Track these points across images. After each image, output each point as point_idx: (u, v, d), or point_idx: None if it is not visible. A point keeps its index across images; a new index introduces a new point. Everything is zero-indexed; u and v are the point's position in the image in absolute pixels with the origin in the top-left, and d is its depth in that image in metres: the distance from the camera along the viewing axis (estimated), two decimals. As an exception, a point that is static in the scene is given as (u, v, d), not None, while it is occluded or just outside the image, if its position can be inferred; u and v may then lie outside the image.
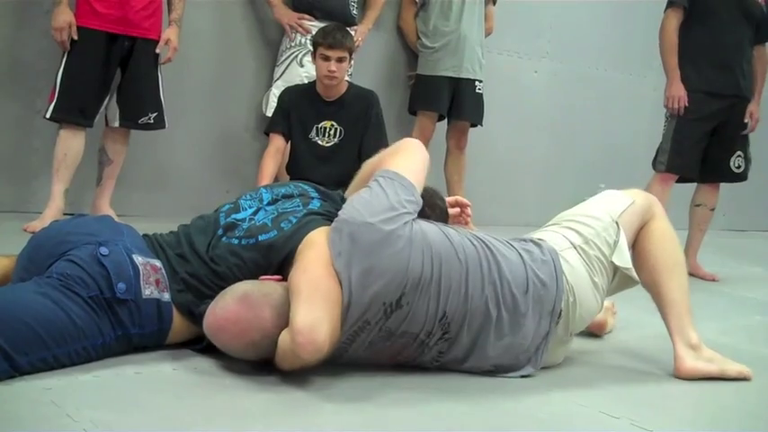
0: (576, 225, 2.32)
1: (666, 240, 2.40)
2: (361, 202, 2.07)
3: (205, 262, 2.13)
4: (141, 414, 1.70)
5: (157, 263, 2.09)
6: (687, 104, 4.32)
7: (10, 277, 2.12)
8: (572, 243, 2.27)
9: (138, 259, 2.03)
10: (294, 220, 2.16)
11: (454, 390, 2.04)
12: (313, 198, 2.30)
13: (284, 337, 1.89)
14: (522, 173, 6.10)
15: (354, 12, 4.81)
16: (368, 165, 2.36)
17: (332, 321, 1.90)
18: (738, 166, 4.51)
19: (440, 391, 2.01)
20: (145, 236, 2.21)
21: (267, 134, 4.23)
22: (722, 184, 4.64)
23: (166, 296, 2.06)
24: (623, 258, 2.28)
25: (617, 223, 2.32)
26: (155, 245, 2.17)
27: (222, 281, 2.09)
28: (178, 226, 2.29)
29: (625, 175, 6.26)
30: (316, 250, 2.02)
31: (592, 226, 2.31)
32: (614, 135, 6.46)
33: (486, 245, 2.15)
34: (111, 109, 3.93)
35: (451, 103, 5.08)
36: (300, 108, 4.13)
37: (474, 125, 5.21)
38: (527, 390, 2.08)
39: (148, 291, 2.01)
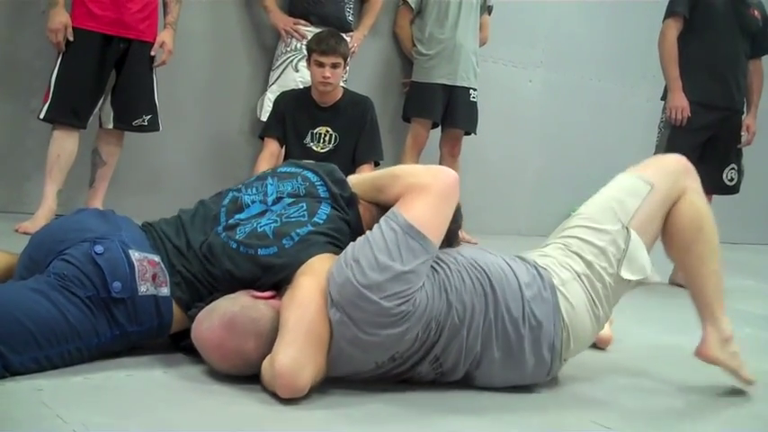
0: (580, 245, 2.18)
1: (697, 223, 2.26)
2: (369, 261, 1.87)
3: (200, 260, 2.08)
4: (132, 416, 1.69)
5: (156, 257, 2.04)
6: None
7: (12, 274, 2.10)
8: (575, 272, 2.14)
9: (135, 255, 1.99)
10: (296, 238, 2.05)
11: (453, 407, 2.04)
12: (321, 201, 2.16)
13: (266, 367, 1.86)
14: (514, 182, 6.11)
15: (350, 18, 4.82)
16: (393, 175, 2.10)
17: (316, 365, 1.86)
18: (731, 179, 4.52)
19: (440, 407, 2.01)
20: (145, 225, 2.17)
21: (262, 138, 4.24)
22: (715, 197, 4.65)
23: (165, 291, 2.02)
24: (634, 267, 2.17)
25: (627, 229, 2.19)
26: (155, 236, 2.12)
27: (215, 281, 2.07)
28: (179, 211, 2.24)
29: (617, 186, 6.29)
30: (314, 282, 1.93)
31: (596, 244, 2.17)
32: (607, 145, 6.47)
33: (488, 278, 2.03)
34: (105, 110, 3.93)
35: (445, 111, 5.09)
36: (296, 113, 4.14)
37: (468, 133, 5.23)
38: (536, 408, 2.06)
39: (144, 287, 1.98)
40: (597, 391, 2.19)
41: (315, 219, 2.10)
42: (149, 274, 2.00)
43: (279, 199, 2.17)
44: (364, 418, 1.84)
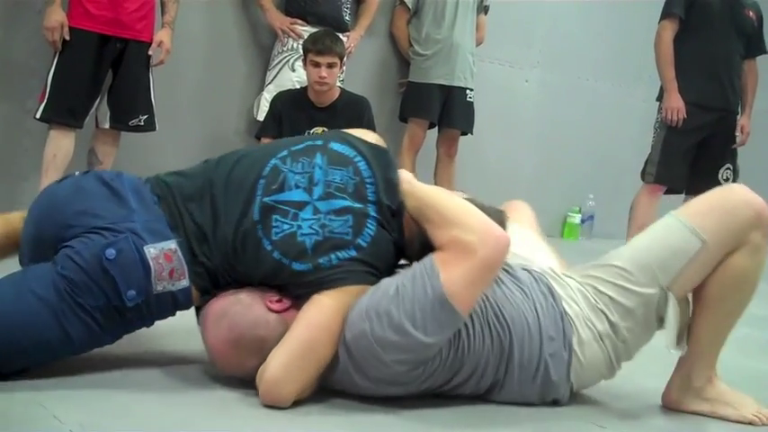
0: (608, 303, 2.01)
1: (739, 285, 2.02)
2: (391, 320, 1.80)
3: (224, 252, 1.92)
4: (128, 416, 1.69)
5: (173, 244, 1.88)
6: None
7: (15, 239, 1.99)
8: (597, 333, 2.01)
9: (151, 252, 1.84)
10: (335, 261, 1.88)
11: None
12: (367, 216, 1.94)
13: (260, 371, 1.85)
14: (511, 182, 6.11)
15: (347, 17, 4.81)
16: (443, 214, 1.90)
17: (305, 382, 1.84)
18: (726, 179, 4.53)
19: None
20: (161, 188, 1.97)
21: (258, 138, 4.23)
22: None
23: (183, 283, 1.89)
24: (669, 338, 1.99)
25: (666, 293, 1.99)
26: (173, 209, 1.93)
27: (236, 275, 1.94)
28: (206, 164, 2.05)
29: (614, 186, 6.31)
30: (333, 306, 1.85)
31: (625, 305, 2.00)
32: (604, 145, 6.48)
33: (510, 336, 1.95)
34: (101, 110, 3.92)
35: (442, 111, 5.09)
36: (292, 113, 4.14)
37: (464, 133, 5.23)
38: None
39: (160, 287, 1.87)
40: (594, 391, 2.19)
41: (359, 240, 1.91)
42: (166, 271, 1.87)
43: (326, 195, 1.94)
44: (361, 420, 1.84)
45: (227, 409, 1.81)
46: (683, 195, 4.67)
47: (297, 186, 1.95)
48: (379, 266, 1.94)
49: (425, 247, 1.90)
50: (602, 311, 2.02)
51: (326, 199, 1.93)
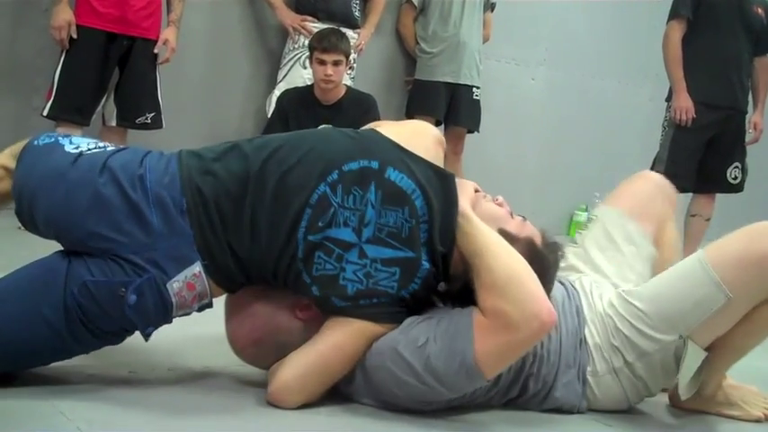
0: (624, 344, 1.97)
1: (762, 334, 2.00)
2: (416, 375, 1.77)
3: (263, 273, 1.82)
4: (136, 414, 1.69)
5: (197, 268, 1.75)
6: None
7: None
8: (612, 367, 1.99)
9: (174, 287, 1.74)
10: (374, 301, 1.81)
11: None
12: (419, 253, 1.81)
13: (273, 369, 1.85)
14: (517, 180, 6.09)
15: (357, 13, 4.81)
16: (493, 272, 1.77)
17: (315, 395, 1.83)
18: (735, 177, 4.52)
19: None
20: (194, 199, 1.75)
21: (264, 136, 4.23)
22: (719, 195, 4.65)
23: (205, 301, 1.82)
24: (682, 385, 1.95)
25: (685, 341, 1.93)
26: (205, 229, 1.75)
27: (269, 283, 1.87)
28: (241, 154, 1.82)
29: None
30: (364, 338, 1.82)
31: (642, 349, 1.96)
32: (610, 143, 6.46)
33: (538, 366, 1.95)
34: (108, 108, 3.93)
35: (448, 109, 5.08)
36: (298, 111, 4.13)
37: (470, 131, 5.22)
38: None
39: (181, 312, 1.80)
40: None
41: (402, 292, 1.82)
42: (189, 300, 1.78)
43: (375, 239, 1.79)
44: (366, 418, 1.84)
45: (234, 407, 1.80)
46: (690, 194, 4.67)
47: (345, 225, 1.79)
48: (413, 308, 1.87)
49: (467, 289, 1.82)
50: (618, 349, 1.98)
51: (376, 244, 1.79)
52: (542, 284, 1.79)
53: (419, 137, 1.98)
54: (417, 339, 1.78)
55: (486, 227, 1.85)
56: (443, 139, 1.94)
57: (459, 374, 1.75)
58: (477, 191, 1.98)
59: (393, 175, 1.82)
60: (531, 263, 1.80)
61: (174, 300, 1.75)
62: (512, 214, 1.97)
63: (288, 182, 1.79)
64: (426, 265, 1.82)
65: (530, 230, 1.95)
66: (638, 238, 2.27)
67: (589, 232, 2.33)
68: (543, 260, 1.89)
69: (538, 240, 1.95)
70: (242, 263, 1.79)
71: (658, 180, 2.39)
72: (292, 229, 1.77)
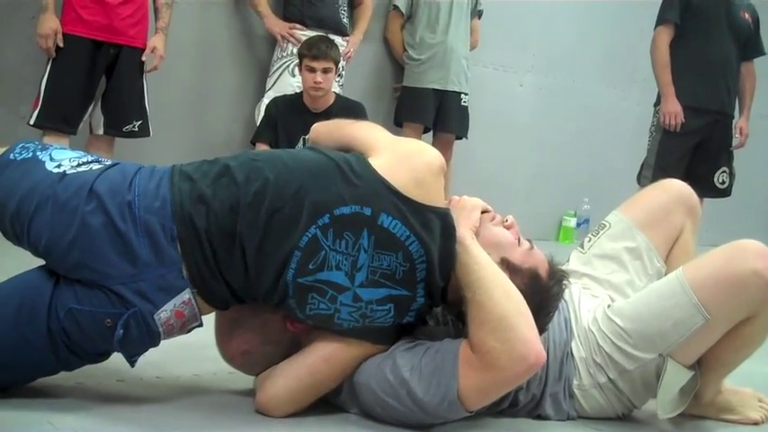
0: (606, 362, 1.97)
1: (748, 347, 1.98)
2: (399, 399, 1.76)
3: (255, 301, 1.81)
4: (123, 423, 1.68)
5: (186, 295, 1.70)
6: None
7: None
8: (597, 382, 2.00)
9: (161, 317, 1.70)
10: (369, 326, 1.79)
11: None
12: (415, 291, 1.78)
13: (261, 378, 1.85)
14: (506, 186, 6.10)
15: (345, 20, 4.81)
16: (483, 311, 1.73)
17: (303, 406, 1.83)
18: (723, 182, 4.54)
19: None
20: (187, 230, 1.69)
21: (253, 144, 4.23)
22: (706, 200, 4.66)
23: (195, 324, 1.77)
24: (663, 403, 1.95)
25: (664, 359, 1.93)
26: (196, 262, 1.70)
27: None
28: (230, 180, 1.73)
29: (609, 190, 6.29)
30: (356, 355, 1.81)
31: (623, 367, 1.96)
32: (599, 149, 6.49)
33: (527, 383, 1.92)
34: (95, 116, 3.91)
35: (437, 116, 5.10)
36: (287, 119, 4.13)
37: (459, 138, 5.23)
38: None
39: (170, 337, 1.77)
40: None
41: (398, 321, 1.81)
42: (177, 327, 1.74)
43: (369, 282, 1.74)
44: (354, 426, 1.84)
45: (223, 416, 1.80)
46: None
47: (338, 268, 1.72)
48: (407, 327, 1.87)
49: (461, 315, 1.81)
50: (601, 366, 1.98)
51: (369, 287, 1.74)
52: (540, 317, 1.78)
53: (416, 171, 1.80)
54: (404, 366, 1.77)
55: (486, 257, 1.79)
56: (443, 161, 1.83)
57: (442, 406, 1.74)
58: (486, 211, 1.90)
59: (386, 221, 1.73)
60: (532, 294, 1.78)
61: (161, 329, 1.71)
62: (519, 240, 1.91)
63: (276, 223, 1.72)
64: (421, 300, 1.79)
65: (535, 260, 1.89)
66: (646, 252, 2.23)
67: (597, 240, 2.28)
68: (545, 292, 1.87)
69: (543, 270, 1.89)
70: (236, 293, 1.76)
71: (679, 189, 2.34)
72: (280, 271, 1.72)
